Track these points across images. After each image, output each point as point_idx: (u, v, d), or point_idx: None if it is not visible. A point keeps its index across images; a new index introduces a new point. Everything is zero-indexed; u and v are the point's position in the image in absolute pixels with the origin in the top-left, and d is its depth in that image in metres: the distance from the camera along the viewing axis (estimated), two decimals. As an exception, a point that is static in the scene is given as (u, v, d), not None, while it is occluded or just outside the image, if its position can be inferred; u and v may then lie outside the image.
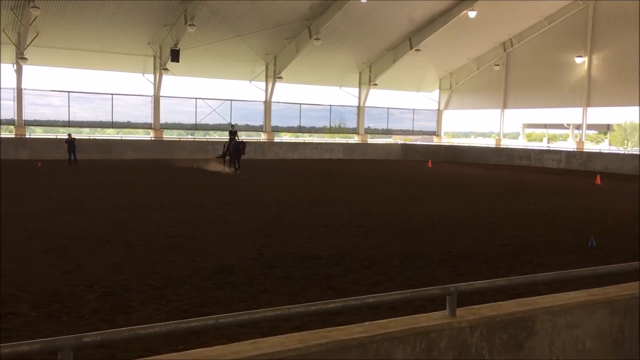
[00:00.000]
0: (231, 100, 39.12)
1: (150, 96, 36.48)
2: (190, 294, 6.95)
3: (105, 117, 36.01)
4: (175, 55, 32.92)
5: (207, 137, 43.53)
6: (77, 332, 2.59)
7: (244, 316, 2.96)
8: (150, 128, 37.00)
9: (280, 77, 38.22)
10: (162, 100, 36.67)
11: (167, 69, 34.88)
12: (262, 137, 40.01)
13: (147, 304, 6.53)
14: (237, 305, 6.47)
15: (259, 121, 40.09)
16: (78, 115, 35.35)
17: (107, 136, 39.43)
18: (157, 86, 36.13)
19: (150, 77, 36.13)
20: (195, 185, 19.79)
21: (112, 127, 37.32)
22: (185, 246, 9.68)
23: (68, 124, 34.95)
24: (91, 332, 2.60)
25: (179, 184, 19.98)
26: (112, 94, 35.92)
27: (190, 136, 43.39)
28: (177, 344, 5.12)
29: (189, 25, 31.29)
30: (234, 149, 24.23)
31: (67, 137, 28.96)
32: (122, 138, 36.89)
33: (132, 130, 39.02)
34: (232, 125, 26.72)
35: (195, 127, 39.22)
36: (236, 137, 25.12)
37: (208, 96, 38.46)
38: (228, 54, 35.46)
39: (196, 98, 38.06)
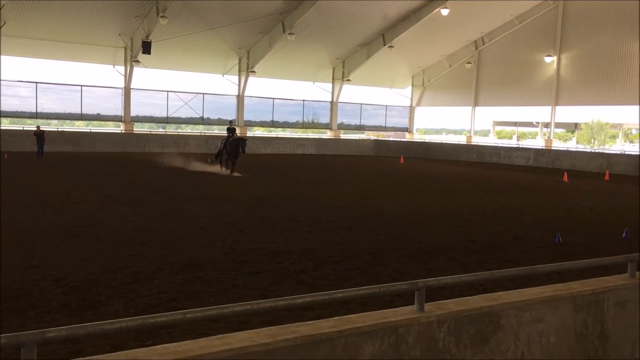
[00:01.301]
0: (203, 93, 38.80)
1: (120, 88, 35.96)
2: (160, 288, 6.89)
3: (74, 109, 35.36)
4: (146, 47, 32.47)
5: (179, 130, 43.12)
6: (43, 328, 2.55)
7: (213, 311, 2.95)
8: (121, 121, 36.48)
9: (254, 71, 38.01)
10: (132, 93, 36.17)
11: (138, 61, 34.40)
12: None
13: (116, 298, 6.46)
14: (207, 300, 6.43)
15: (231, 115, 39.82)
16: (46, 106, 34.66)
17: (76, 128, 38.74)
18: (128, 78, 35.62)
19: (121, 69, 35.59)
20: (165, 179, 19.60)
21: (82, 120, 36.69)
22: (155, 240, 9.59)
23: (36, 115, 34.25)
24: (55, 328, 2.56)
25: (148, 178, 19.77)
26: (81, 86, 35.29)
27: (161, 129, 42.92)
28: (146, 339, 5.07)
29: (161, 17, 30.89)
30: (233, 146, 22.36)
31: (35, 129, 28.39)
32: (92, 130, 36.29)
33: (102, 122, 38.37)
34: (231, 122, 24.71)
35: (167, 120, 38.81)
36: (235, 134, 23.28)
37: (180, 89, 38.08)
38: (200, 47, 35.13)
39: (168, 91, 37.64)
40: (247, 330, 3.02)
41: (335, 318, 3.21)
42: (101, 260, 8.13)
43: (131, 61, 34.80)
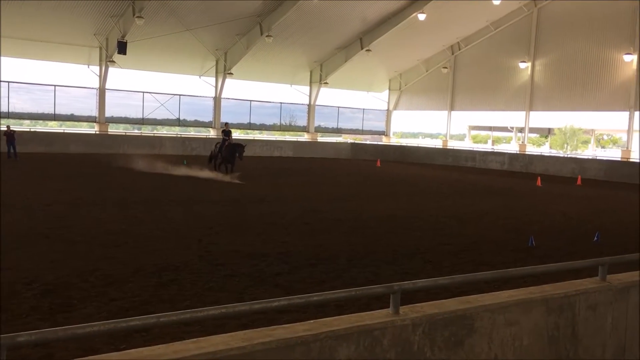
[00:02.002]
0: (180, 95, 38.50)
1: (95, 89, 35.48)
2: (134, 292, 6.80)
3: (47, 109, 34.77)
4: (122, 48, 32.10)
5: (155, 132, 42.73)
6: (13, 331, 2.50)
7: (187, 315, 2.92)
8: (95, 122, 36.00)
9: (231, 73, 37.84)
10: (107, 93, 35.70)
11: (113, 61, 33.99)
12: (211, 133, 39.55)
13: (88, 302, 6.37)
14: (181, 304, 6.38)
15: (208, 117, 39.60)
16: (18, 106, 34.02)
17: (49, 129, 38.11)
18: (103, 79, 35.16)
19: (96, 69, 35.11)
20: (140, 181, 19.39)
21: (55, 120, 36.11)
22: (129, 243, 9.47)
23: (7, 115, 33.57)
24: (26, 332, 2.51)
25: (123, 180, 19.53)
26: (54, 85, 34.73)
27: (136, 130, 42.46)
28: (120, 344, 5.01)
29: (137, 17, 30.58)
30: (229, 151, 21.12)
31: (5, 129, 27.86)
32: (65, 131, 35.74)
33: (76, 123, 37.77)
34: (226, 124, 23.59)
35: (142, 121, 38.39)
36: (230, 137, 22.21)
37: (156, 90, 37.71)
38: (177, 48, 34.85)
39: (143, 92, 37.25)
40: (222, 334, 2.99)
41: (311, 321, 3.20)
42: (73, 262, 8.00)
43: (106, 61, 34.37)
